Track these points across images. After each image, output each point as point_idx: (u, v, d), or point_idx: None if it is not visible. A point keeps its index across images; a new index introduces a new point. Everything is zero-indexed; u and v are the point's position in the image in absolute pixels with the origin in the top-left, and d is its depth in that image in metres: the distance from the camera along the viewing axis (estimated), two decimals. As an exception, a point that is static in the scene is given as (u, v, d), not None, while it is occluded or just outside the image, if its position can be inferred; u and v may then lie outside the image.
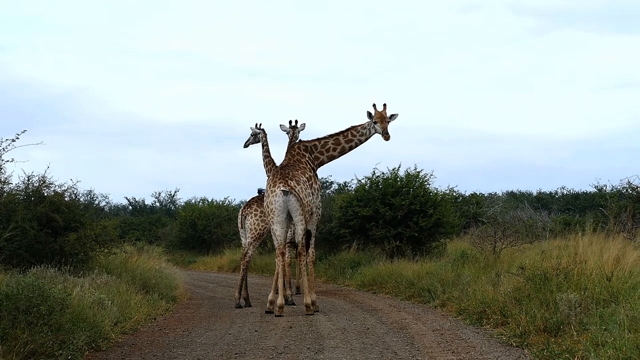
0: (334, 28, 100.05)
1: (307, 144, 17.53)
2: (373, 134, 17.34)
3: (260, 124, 22.24)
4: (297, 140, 18.41)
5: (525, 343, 11.37)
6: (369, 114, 17.23)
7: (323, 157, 17.54)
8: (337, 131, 17.53)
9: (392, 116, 17.18)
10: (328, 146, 17.50)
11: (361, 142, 17.50)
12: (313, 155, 17.46)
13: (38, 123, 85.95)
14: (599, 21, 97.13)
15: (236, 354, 11.41)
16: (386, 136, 17.13)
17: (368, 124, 17.32)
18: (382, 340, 12.38)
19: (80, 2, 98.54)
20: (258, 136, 22.18)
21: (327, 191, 55.05)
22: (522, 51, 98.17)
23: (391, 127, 17.14)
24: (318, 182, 17.26)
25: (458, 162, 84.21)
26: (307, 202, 16.45)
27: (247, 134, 20.42)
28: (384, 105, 17.21)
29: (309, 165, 17.20)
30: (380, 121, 17.10)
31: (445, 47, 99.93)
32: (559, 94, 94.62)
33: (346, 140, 17.48)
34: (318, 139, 17.57)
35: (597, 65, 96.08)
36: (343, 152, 17.56)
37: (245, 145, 21.58)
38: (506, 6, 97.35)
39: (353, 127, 17.47)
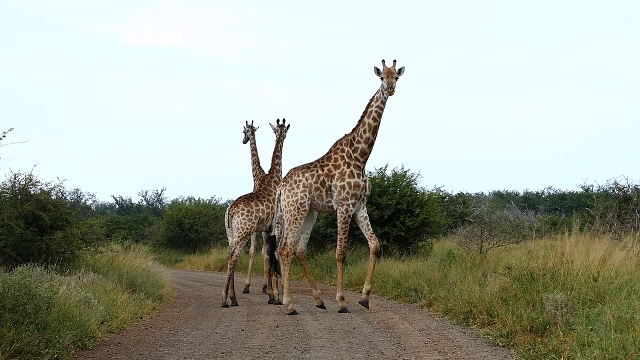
0: (324, 25, 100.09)
1: (349, 137, 17.04)
2: (386, 95, 16.61)
3: (252, 122, 22.32)
4: (344, 134, 17.73)
5: (511, 343, 11.41)
6: (377, 70, 16.45)
7: (361, 144, 16.87)
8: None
9: (400, 70, 16.46)
10: (360, 131, 16.90)
11: (381, 108, 16.70)
12: (353, 147, 16.97)
13: (24, 121, 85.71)
14: (587, 21, 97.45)
15: (222, 353, 11.41)
16: (390, 91, 16.36)
17: (381, 87, 16.64)
18: (368, 340, 12.40)
19: None
20: (247, 134, 22.31)
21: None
22: (511, 49, 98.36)
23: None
24: (345, 178, 16.77)
25: (445, 162, 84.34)
26: (289, 202, 16.81)
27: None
28: (394, 61, 16.44)
29: (335, 162, 16.93)
30: (387, 76, 16.37)
31: (433, 44, 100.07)
32: (546, 94, 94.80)
33: (368, 114, 16.81)
34: (354, 128, 17.04)
35: (584, 65, 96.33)
36: (373, 129, 16.80)
37: (244, 142, 21.85)
38: (493, 5, 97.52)
39: (370, 100, 16.90)
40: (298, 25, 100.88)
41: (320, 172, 16.98)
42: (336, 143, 17.21)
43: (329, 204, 17.03)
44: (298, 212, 16.94)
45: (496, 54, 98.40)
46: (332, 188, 16.87)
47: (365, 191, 17.04)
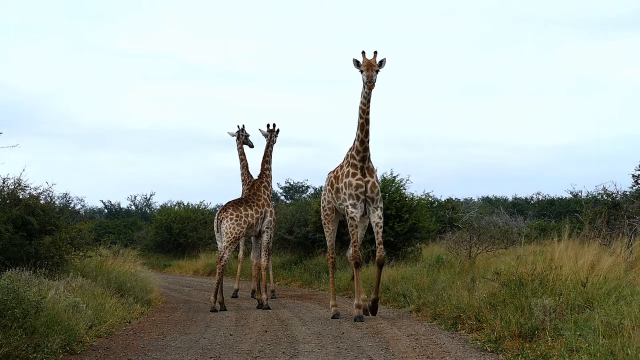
0: (317, 28, 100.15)
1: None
2: (367, 90, 15.67)
3: (243, 126, 22.39)
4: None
5: (500, 348, 11.41)
6: (356, 63, 15.51)
7: (356, 142, 16.03)
8: None
9: (382, 62, 15.51)
10: (356, 128, 16.01)
11: (364, 104, 15.71)
12: (353, 145, 16.21)
13: (13, 126, 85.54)
14: (572, 28, 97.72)
15: (211, 357, 11.41)
16: (370, 85, 15.48)
17: (362, 81, 15.68)
18: (357, 345, 12.40)
19: (55, 3, 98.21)
20: (240, 138, 22.40)
21: (303, 195, 55.08)
22: (496, 56, 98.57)
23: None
24: (342, 178, 16.22)
25: (434, 167, 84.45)
26: (320, 208, 17.66)
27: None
28: (375, 53, 15.52)
29: (342, 162, 16.55)
30: (366, 69, 15.41)
31: (420, 51, 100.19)
32: (534, 100, 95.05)
33: (358, 111, 15.88)
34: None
35: (571, 71, 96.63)
36: (360, 126, 15.86)
37: (251, 146, 22.07)
38: (480, 12, 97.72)
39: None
40: (290, 29, 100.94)
41: (333, 174, 16.93)
42: None
43: (341, 206, 16.56)
44: (323, 217, 17.20)
45: (490, 57, 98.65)
46: (338, 190, 16.54)
47: (366, 192, 16.02)
